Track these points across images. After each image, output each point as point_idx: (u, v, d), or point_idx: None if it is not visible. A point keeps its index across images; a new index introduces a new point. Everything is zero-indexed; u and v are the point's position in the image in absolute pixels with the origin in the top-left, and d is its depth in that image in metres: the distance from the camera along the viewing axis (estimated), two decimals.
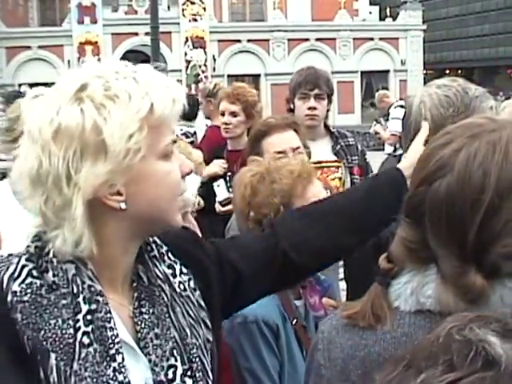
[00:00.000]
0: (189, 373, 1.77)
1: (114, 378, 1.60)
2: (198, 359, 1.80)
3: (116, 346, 1.63)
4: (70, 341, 1.57)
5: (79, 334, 1.58)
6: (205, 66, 41.62)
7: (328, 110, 5.16)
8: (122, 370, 1.62)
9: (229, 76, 42.40)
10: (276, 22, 43.45)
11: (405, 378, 0.80)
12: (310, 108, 4.96)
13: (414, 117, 2.87)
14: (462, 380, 0.76)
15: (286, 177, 2.88)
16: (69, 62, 40.30)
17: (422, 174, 1.60)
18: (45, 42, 39.85)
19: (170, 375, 1.73)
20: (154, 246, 1.84)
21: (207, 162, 4.99)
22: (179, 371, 1.75)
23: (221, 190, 5.17)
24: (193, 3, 41.11)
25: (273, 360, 2.96)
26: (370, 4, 48.03)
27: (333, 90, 5.23)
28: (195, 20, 41.32)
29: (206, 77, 40.09)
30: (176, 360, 1.76)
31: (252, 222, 2.83)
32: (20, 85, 33.16)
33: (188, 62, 41.37)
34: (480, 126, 1.59)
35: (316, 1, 45.25)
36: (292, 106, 5.12)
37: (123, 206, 1.63)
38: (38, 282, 1.61)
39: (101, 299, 1.64)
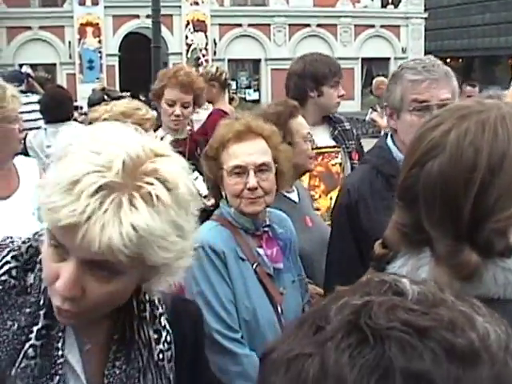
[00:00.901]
0: None
1: None
2: None
3: (56, 367, 1.63)
4: (18, 347, 1.59)
5: (27, 345, 1.60)
6: (205, 49, 41.53)
7: None
8: None
9: (229, 60, 42.34)
10: (277, 7, 43.35)
11: (328, 304, 0.90)
12: (340, 96, 5.15)
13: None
14: (375, 301, 0.86)
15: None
16: (69, 43, 40.26)
17: (414, 157, 1.65)
18: (45, 23, 39.75)
19: None
20: (147, 306, 1.80)
21: None
22: None
23: (201, 183, 5.03)
24: None
25: (223, 286, 3.18)
26: None
27: None
28: (196, 3, 41.20)
29: (206, 60, 39.96)
30: None
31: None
32: (20, 65, 33.17)
33: (189, 45, 41.28)
34: (468, 108, 1.65)
35: None
36: (316, 94, 5.07)
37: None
38: (13, 281, 1.65)
39: (54, 333, 1.64)
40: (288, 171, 3.46)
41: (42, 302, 1.62)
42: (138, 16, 38.48)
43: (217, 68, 8.29)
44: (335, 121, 5.18)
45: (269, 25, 43.22)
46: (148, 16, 24.12)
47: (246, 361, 3.16)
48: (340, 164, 4.99)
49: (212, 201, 4.82)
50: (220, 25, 42.15)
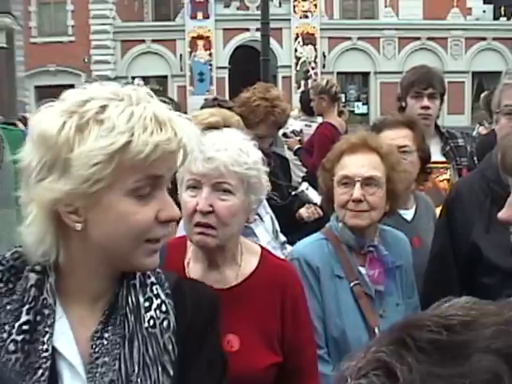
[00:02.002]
0: None
1: None
2: None
3: (41, 361, 1.64)
4: (0, 344, 1.62)
5: (8, 340, 1.62)
6: (314, 62, 41.56)
7: (439, 110, 5.13)
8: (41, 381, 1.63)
9: (338, 73, 42.21)
10: (387, 20, 43.04)
11: None
12: (423, 107, 4.90)
13: None
14: None
15: None
16: (181, 55, 40.98)
17: None
18: (158, 36, 40.60)
19: None
20: (137, 275, 1.81)
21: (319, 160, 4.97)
22: None
23: (312, 192, 5.02)
24: (304, 0, 41.12)
25: (312, 300, 3.12)
26: (484, 3, 47.04)
27: (445, 89, 5.18)
28: (306, 17, 41.32)
29: (315, 73, 40.08)
30: None
31: None
32: (133, 77, 33.93)
33: (298, 58, 41.41)
34: None
35: None
36: (403, 105, 5.09)
37: (78, 227, 1.62)
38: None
39: (47, 312, 1.67)
40: (402, 193, 3.41)
41: (24, 300, 1.65)
42: (247, 29, 38.88)
43: (327, 81, 8.27)
44: (448, 136, 5.09)
45: (378, 38, 42.94)
46: (258, 29, 24.33)
47: (324, 380, 3.04)
48: (448, 180, 4.88)
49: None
50: (329, 38, 42.11)
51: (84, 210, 1.61)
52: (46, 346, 1.65)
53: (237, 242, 2.76)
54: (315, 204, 4.97)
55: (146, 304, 1.79)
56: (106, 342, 1.71)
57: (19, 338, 1.63)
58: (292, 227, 5.07)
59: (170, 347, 1.80)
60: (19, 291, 1.67)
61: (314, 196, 4.94)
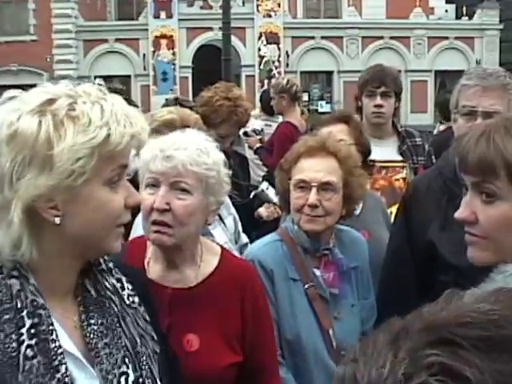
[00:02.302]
0: (140, 380, 1.84)
1: None
2: (147, 367, 1.87)
3: (59, 358, 1.67)
4: (14, 354, 1.62)
5: (23, 348, 1.63)
6: (278, 61, 41.61)
7: (396, 109, 5.13)
8: (66, 379, 1.67)
9: (302, 72, 42.34)
10: (350, 19, 43.20)
11: None
12: (376, 105, 4.93)
13: None
14: None
15: None
16: (144, 55, 40.81)
17: None
18: (121, 36, 40.40)
19: (123, 382, 1.79)
20: (101, 261, 1.90)
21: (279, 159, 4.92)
22: (131, 378, 1.81)
23: (272, 192, 4.94)
24: None
25: None
26: (446, 2, 47.39)
27: (401, 88, 5.19)
28: (269, 16, 41.33)
29: (279, 72, 40.01)
30: (128, 367, 1.82)
31: None
32: (95, 77, 33.70)
33: (261, 57, 41.42)
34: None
35: None
36: (360, 104, 5.12)
37: (57, 221, 1.67)
38: None
39: (43, 312, 1.69)
40: (358, 198, 3.43)
41: (19, 305, 1.66)
42: (211, 28, 38.77)
43: (287, 80, 8.26)
44: (405, 135, 5.11)
45: (342, 37, 43.10)
46: (221, 28, 24.31)
47: None
48: (404, 179, 4.90)
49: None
50: (293, 37, 42.18)
51: (63, 203, 1.66)
52: (58, 343, 1.69)
53: (196, 241, 2.77)
54: (275, 203, 4.94)
55: (119, 284, 1.91)
56: (96, 328, 1.79)
57: (32, 342, 1.65)
58: (252, 226, 5.08)
59: (148, 318, 1.94)
60: (7, 299, 1.68)
61: (274, 195, 4.93)
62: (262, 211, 5.09)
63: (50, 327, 1.69)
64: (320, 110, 42.69)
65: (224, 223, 4.03)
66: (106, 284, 1.87)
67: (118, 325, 1.83)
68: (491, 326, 0.85)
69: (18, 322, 1.65)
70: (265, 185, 5.02)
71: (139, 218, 2.87)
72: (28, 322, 1.66)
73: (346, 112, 4.34)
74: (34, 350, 1.64)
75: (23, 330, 1.65)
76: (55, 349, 1.68)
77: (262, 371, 2.84)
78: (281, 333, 3.21)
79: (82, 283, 1.84)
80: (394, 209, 4.44)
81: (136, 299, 1.93)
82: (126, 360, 1.82)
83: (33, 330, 1.66)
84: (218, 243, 3.06)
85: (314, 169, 3.24)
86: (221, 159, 2.73)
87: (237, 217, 4.20)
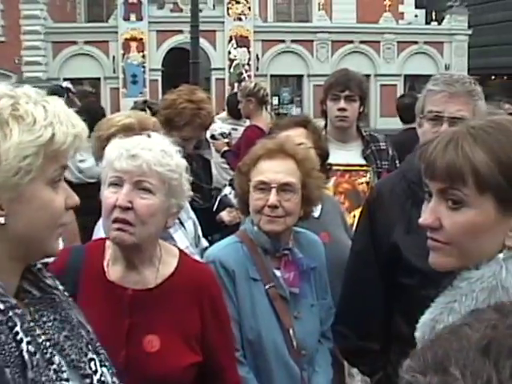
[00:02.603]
0: (102, 363, 1.90)
1: (59, 379, 1.70)
2: (101, 351, 1.94)
3: (49, 350, 1.72)
4: (17, 353, 1.62)
5: (24, 345, 1.64)
6: (248, 65, 41.59)
7: (360, 113, 5.17)
8: (63, 368, 1.72)
9: (272, 76, 42.41)
10: (320, 24, 43.30)
11: None
12: (339, 109, 4.99)
13: None
14: None
15: None
16: (114, 57, 40.63)
17: None
18: (91, 38, 40.17)
19: (93, 367, 1.85)
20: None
21: None
22: (97, 362, 1.88)
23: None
24: (238, 2, 41.09)
25: (227, 303, 3.16)
26: (416, 7, 47.68)
27: (365, 92, 5.24)
28: (240, 19, 41.33)
29: (249, 76, 40.07)
30: (92, 353, 1.88)
31: None
32: (65, 79, 33.55)
33: (231, 60, 41.39)
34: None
35: (361, 3, 45.00)
36: (325, 108, 5.15)
37: (2, 220, 1.67)
38: None
39: (19, 311, 1.70)
40: (317, 200, 3.49)
41: (2, 307, 1.66)
42: (181, 31, 38.65)
43: (255, 84, 8.30)
44: (370, 139, 5.16)
45: (312, 41, 43.18)
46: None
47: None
48: (368, 183, 4.96)
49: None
50: (263, 40, 42.20)
51: (8, 202, 1.67)
52: (43, 337, 1.74)
53: (155, 243, 2.81)
54: (237, 208, 4.93)
55: (53, 280, 1.92)
56: (51, 324, 1.81)
57: (29, 338, 1.67)
58: (214, 229, 5.08)
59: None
60: None
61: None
62: (224, 215, 5.11)
63: (31, 324, 1.72)
64: (290, 113, 42.85)
65: (184, 227, 4.02)
66: (47, 281, 1.88)
67: (73, 317, 1.88)
68: None
69: (7, 321, 1.65)
70: (228, 189, 5.03)
71: (100, 222, 2.92)
72: (18, 321, 1.66)
73: (305, 116, 4.45)
74: (33, 345, 1.66)
75: (17, 329, 1.65)
76: (43, 343, 1.72)
77: (221, 371, 2.89)
78: (242, 333, 3.26)
79: (21, 286, 1.83)
80: (357, 212, 4.48)
81: (66, 293, 1.96)
82: (90, 347, 1.87)
83: (24, 327, 1.68)
84: (177, 246, 3.11)
85: (273, 170, 3.30)
86: (183, 164, 2.79)
87: (196, 221, 4.22)
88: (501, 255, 1.72)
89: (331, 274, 3.68)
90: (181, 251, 2.98)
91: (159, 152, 2.67)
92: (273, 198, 3.25)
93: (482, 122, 1.80)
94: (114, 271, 2.76)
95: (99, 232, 3.16)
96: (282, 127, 4.21)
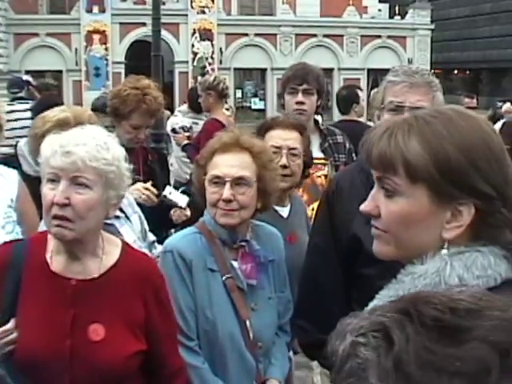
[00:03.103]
0: None
1: None
2: None
3: None
4: None
5: None
6: (211, 58, 41.52)
7: (318, 106, 5.19)
8: None
9: (235, 69, 42.40)
10: (284, 17, 43.38)
11: None
12: (297, 103, 5.00)
13: None
14: None
15: None
16: (76, 50, 40.32)
17: None
18: (53, 30, 39.81)
19: None
20: None
21: None
22: None
23: (176, 196, 5.00)
24: None
25: (184, 292, 3.26)
26: (380, 2, 47.92)
27: (323, 85, 5.24)
28: (203, 12, 41.23)
29: (212, 69, 39.98)
30: None
31: None
32: (26, 72, 33.22)
33: (195, 53, 41.28)
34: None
35: None
36: (283, 101, 5.17)
37: None
38: None
39: None
40: (273, 192, 3.48)
41: None
42: (144, 24, 38.44)
43: (215, 77, 8.30)
44: (327, 133, 5.18)
45: (275, 34, 43.23)
46: None
47: (193, 372, 3.22)
48: (326, 176, 4.97)
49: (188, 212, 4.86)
50: (227, 34, 42.15)
51: None
52: None
53: (97, 234, 2.84)
54: (180, 207, 4.95)
55: None
56: None
57: None
58: (168, 225, 5.09)
59: None
60: None
61: (179, 199, 4.93)
62: (172, 214, 5.10)
63: None
64: (253, 106, 42.91)
65: (130, 221, 4.03)
66: None
67: None
68: (449, 311, 0.95)
69: None
70: (168, 190, 5.00)
71: None
72: None
73: (301, 121, 4.36)
74: None
75: None
76: None
77: (164, 358, 2.94)
78: (198, 323, 3.27)
79: None
80: (315, 205, 4.48)
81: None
82: None
83: None
84: (120, 238, 3.13)
85: (227, 164, 3.31)
86: (121, 154, 2.80)
87: (142, 215, 4.20)
88: (444, 251, 1.69)
89: (293, 274, 3.69)
90: (123, 242, 3.02)
91: (94, 146, 2.67)
92: (227, 192, 3.27)
93: (426, 111, 1.79)
94: (56, 262, 2.78)
95: (44, 226, 3.17)
96: (277, 124, 4.20)
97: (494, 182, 1.68)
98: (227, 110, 8.99)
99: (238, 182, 3.30)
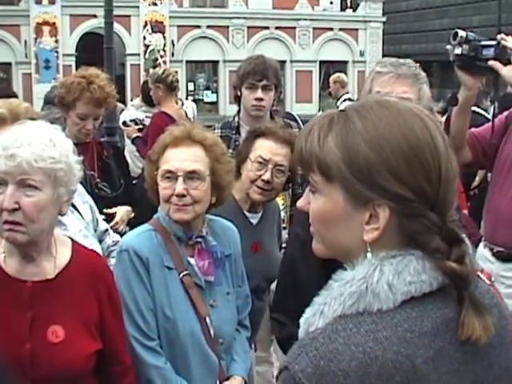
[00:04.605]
0: None
1: None
2: None
3: None
4: None
5: None
6: (163, 50, 41.25)
7: (274, 100, 5.18)
8: None
9: (188, 62, 42.23)
10: (236, 9, 43.29)
11: None
12: (257, 99, 5.00)
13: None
14: None
15: None
16: (25, 42, 39.77)
17: None
18: (1, 21, 39.13)
19: None
20: None
21: None
22: None
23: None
24: None
25: (142, 291, 3.24)
26: None
27: (280, 80, 5.25)
28: (155, 4, 40.90)
29: (164, 62, 39.80)
30: None
31: None
32: None
33: (147, 46, 40.98)
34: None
35: None
36: (239, 94, 5.13)
37: None
38: None
39: None
40: (227, 185, 3.46)
41: None
42: (95, 16, 38.12)
43: (164, 70, 8.34)
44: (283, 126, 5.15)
45: (227, 27, 43.14)
46: None
47: (155, 372, 3.20)
48: None
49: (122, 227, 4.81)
50: (178, 26, 41.92)
51: None
52: None
53: (51, 234, 2.78)
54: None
55: None
56: None
57: None
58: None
59: None
60: None
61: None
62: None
63: None
64: (206, 99, 42.76)
65: (78, 211, 3.97)
66: None
67: None
68: None
69: None
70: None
71: None
72: None
73: (292, 135, 4.25)
74: None
75: None
76: None
77: (116, 356, 2.97)
78: (158, 322, 3.25)
79: None
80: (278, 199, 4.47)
81: None
82: None
83: None
84: (67, 231, 3.17)
85: (179, 158, 3.29)
86: (69, 147, 2.72)
87: (93, 204, 4.15)
88: (369, 255, 1.60)
89: (249, 281, 3.74)
90: (72, 240, 2.97)
91: (39, 145, 2.58)
92: (179, 186, 3.25)
93: (354, 104, 1.70)
94: (11, 264, 2.71)
95: None
96: (271, 133, 4.16)
97: (412, 182, 1.56)
98: (176, 103, 8.92)
99: (190, 176, 3.27)
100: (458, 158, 1.69)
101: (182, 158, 3.28)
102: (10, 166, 2.52)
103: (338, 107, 11.16)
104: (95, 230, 4.20)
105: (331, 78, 14.30)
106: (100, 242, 4.14)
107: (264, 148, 4.05)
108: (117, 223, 4.71)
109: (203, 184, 3.30)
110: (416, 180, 1.56)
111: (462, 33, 3.96)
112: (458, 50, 3.99)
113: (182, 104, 8.36)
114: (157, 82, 8.09)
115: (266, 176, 4.00)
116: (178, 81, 8.39)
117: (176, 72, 8.58)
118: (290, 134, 4.25)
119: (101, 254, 3.45)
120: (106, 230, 4.30)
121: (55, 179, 2.63)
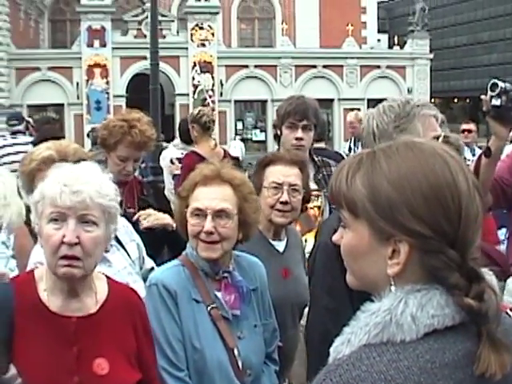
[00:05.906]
0: None
1: None
2: None
3: None
4: None
5: None
6: (212, 90, 41.62)
7: (314, 140, 5.24)
8: None
9: (236, 101, 42.51)
10: (284, 49, 43.54)
11: None
12: (297, 138, 5.02)
13: (366, 128, 3.25)
14: None
15: None
16: (77, 84, 40.50)
17: None
18: (54, 64, 40.03)
19: None
20: None
21: None
22: None
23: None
24: (201, 28, 41.25)
25: (171, 323, 3.30)
26: (379, 32, 48.15)
27: (320, 119, 5.28)
28: (203, 45, 41.41)
29: (213, 101, 40.19)
30: None
31: None
32: (28, 106, 33.26)
33: (195, 86, 41.39)
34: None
35: (324, 28, 45.47)
36: (279, 133, 5.18)
37: None
38: None
39: None
40: (254, 222, 3.53)
41: None
42: (145, 57, 38.55)
43: (199, 110, 8.38)
44: (321, 164, 5.23)
45: (275, 66, 43.34)
46: None
47: None
48: (319, 207, 5.02)
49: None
50: (227, 66, 42.28)
51: None
52: None
53: (94, 270, 2.87)
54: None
55: None
56: None
57: None
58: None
59: None
60: None
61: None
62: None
63: None
64: (254, 138, 42.94)
65: (125, 249, 4.09)
66: None
67: None
68: None
69: None
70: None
71: (37, 247, 3.10)
72: None
73: (302, 157, 4.39)
74: None
75: None
76: None
77: None
78: (186, 353, 3.30)
79: None
80: (308, 236, 4.52)
81: None
82: None
83: None
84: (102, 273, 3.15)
85: (208, 197, 3.37)
86: (115, 188, 2.86)
87: (141, 243, 4.26)
88: (392, 288, 1.66)
89: (282, 308, 3.80)
90: (105, 275, 3.06)
91: (98, 184, 2.73)
92: (208, 224, 3.32)
93: (384, 145, 1.77)
94: (53, 301, 2.78)
95: (37, 256, 3.31)
96: (278, 159, 4.24)
97: (430, 220, 1.61)
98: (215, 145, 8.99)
99: (219, 214, 3.34)
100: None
101: (212, 197, 3.36)
102: (75, 201, 2.64)
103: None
104: (141, 268, 4.29)
105: (350, 118, 14.06)
106: (145, 280, 4.20)
107: (275, 173, 4.14)
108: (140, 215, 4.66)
109: (231, 222, 3.37)
110: (435, 218, 1.61)
111: (501, 84, 3.96)
112: (496, 101, 3.95)
113: (215, 144, 8.36)
114: (192, 122, 8.15)
115: (284, 197, 4.08)
116: (213, 121, 8.42)
117: (210, 112, 8.66)
118: (296, 155, 4.36)
119: (143, 290, 3.48)
120: (152, 268, 4.34)
121: (109, 216, 2.77)
